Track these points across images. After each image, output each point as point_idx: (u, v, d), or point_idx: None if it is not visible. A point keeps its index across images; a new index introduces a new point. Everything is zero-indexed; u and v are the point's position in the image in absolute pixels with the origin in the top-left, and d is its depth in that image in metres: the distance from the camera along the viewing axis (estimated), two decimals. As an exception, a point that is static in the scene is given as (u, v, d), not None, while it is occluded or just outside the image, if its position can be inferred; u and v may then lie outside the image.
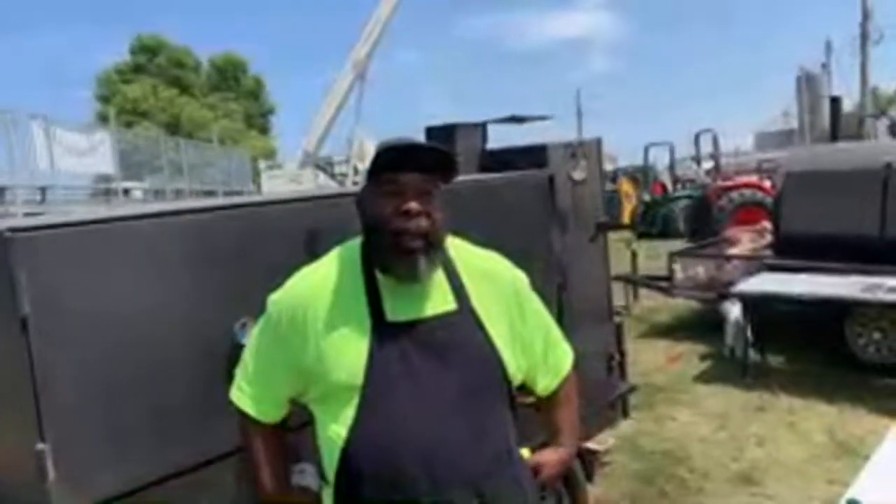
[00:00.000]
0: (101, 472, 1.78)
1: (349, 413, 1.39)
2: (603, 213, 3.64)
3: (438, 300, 1.44)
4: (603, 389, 3.50)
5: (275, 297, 1.51)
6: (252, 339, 1.58)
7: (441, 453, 1.36)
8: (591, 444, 3.45)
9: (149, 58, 30.42)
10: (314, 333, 1.42)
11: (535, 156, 3.27)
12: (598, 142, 3.62)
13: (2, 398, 1.90)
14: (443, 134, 3.34)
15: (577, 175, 3.44)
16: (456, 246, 1.54)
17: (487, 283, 1.52)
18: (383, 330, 1.40)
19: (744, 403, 4.89)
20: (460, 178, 3.19)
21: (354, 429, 1.38)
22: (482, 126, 3.51)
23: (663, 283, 7.11)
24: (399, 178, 1.37)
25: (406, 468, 1.35)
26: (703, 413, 4.79)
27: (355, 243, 1.51)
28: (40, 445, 1.67)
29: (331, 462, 1.43)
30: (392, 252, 1.38)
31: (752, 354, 5.60)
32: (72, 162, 11.81)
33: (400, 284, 1.41)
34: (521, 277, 1.62)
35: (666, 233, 14.46)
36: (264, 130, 34.74)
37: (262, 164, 22.04)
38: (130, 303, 1.85)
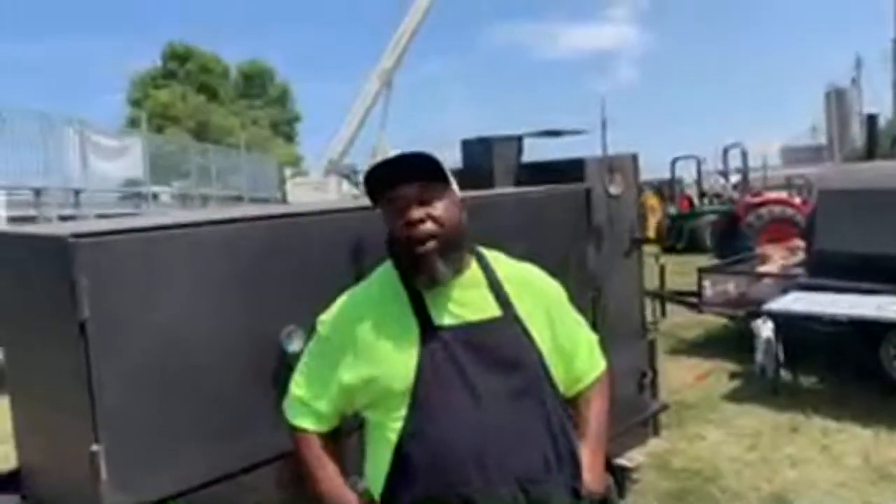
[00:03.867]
0: (152, 474, 1.82)
1: (401, 414, 1.42)
2: (638, 227, 3.63)
3: (483, 307, 1.48)
4: (634, 407, 3.47)
5: (323, 318, 1.58)
6: (303, 357, 1.64)
7: (492, 450, 1.39)
8: (621, 461, 3.43)
9: (179, 64, 30.94)
10: (364, 346, 1.47)
11: (571, 170, 3.28)
12: (635, 157, 3.62)
13: (59, 399, 1.95)
14: (479, 147, 3.36)
15: (614, 189, 3.43)
16: (493, 257, 1.59)
17: (528, 291, 1.56)
18: (431, 334, 1.44)
19: (776, 424, 4.81)
20: (499, 190, 3.25)
21: (407, 427, 1.42)
22: (518, 139, 3.53)
23: (692, 299, 7.04)
24: (393, 193, 1.43)
25: (460, 462, 1.38)
26: (733, 432, 4.73)
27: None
28: (95, 447, 1.71)
29: (382, 462, 1.46)
30: (409, 262, 1.44)
31: (784, 374, 5.53)
32: (104, 165, 12.01)
33: (441, 293, 1.45)
34: (559, 287, 1.66)
35: (692, 248, 14.33)
36: (290, 138, 35.10)
37: (287, 172, 22.24)
38: (185, 309, 1.89)
